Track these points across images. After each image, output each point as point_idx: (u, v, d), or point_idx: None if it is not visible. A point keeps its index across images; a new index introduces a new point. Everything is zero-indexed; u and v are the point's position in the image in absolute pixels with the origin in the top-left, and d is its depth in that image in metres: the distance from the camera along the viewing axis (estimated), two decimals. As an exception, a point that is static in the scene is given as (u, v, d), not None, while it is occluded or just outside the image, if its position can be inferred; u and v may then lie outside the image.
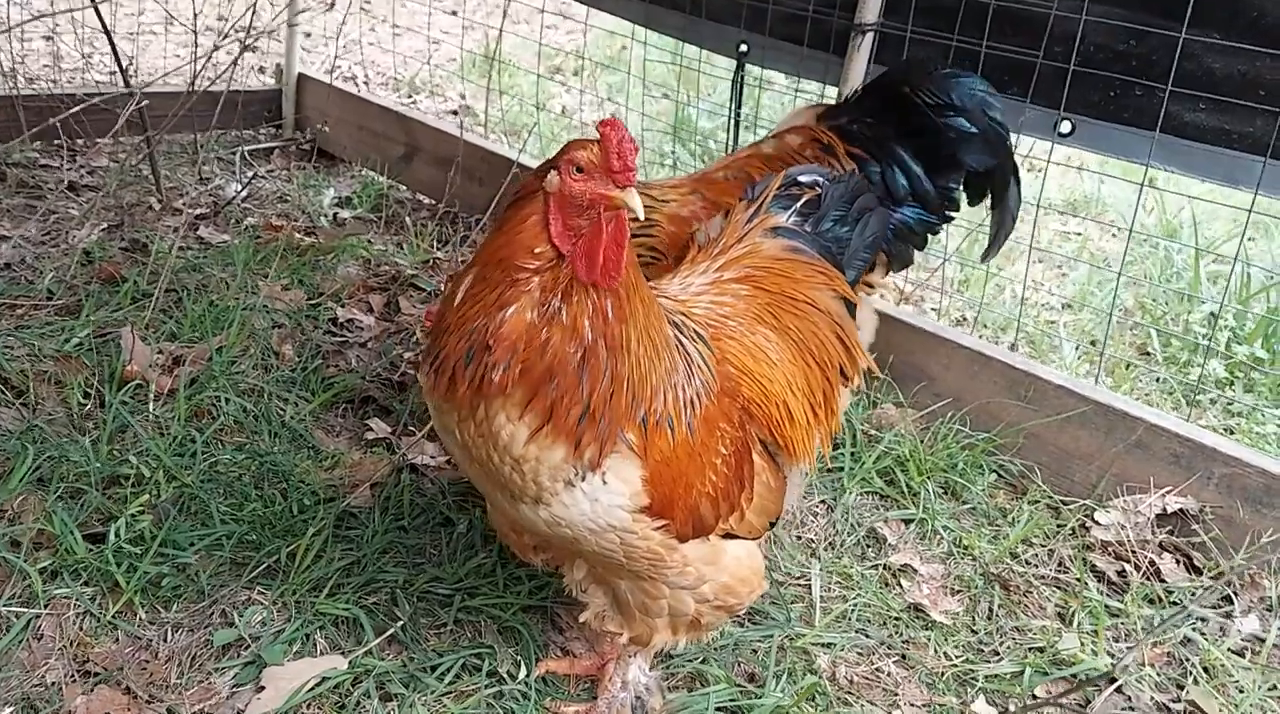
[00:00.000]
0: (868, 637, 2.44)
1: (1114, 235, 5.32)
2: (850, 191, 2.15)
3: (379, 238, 4.09)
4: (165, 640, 2.13)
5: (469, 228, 4.15)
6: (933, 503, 2.87)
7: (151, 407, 2.74)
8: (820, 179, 2.14)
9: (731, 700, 2.17)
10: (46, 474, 2.45)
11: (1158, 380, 3.81)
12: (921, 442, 3.06)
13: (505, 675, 2.13)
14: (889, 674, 2.36)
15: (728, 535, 1.93)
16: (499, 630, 2.24)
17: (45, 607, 2.13)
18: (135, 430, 2.63)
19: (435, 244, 4.03)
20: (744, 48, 3.51)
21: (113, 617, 2.14)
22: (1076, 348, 3.98)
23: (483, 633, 2.23)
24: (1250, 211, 2.72)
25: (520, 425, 1.67)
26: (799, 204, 2.11)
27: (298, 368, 3.02)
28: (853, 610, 2.49)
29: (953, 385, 3.17)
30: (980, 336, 3.70)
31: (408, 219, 4.19)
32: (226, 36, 2.96)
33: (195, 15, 3.86)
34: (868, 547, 2.75)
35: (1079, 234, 5.32)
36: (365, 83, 6.19)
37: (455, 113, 6.03)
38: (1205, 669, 2.45)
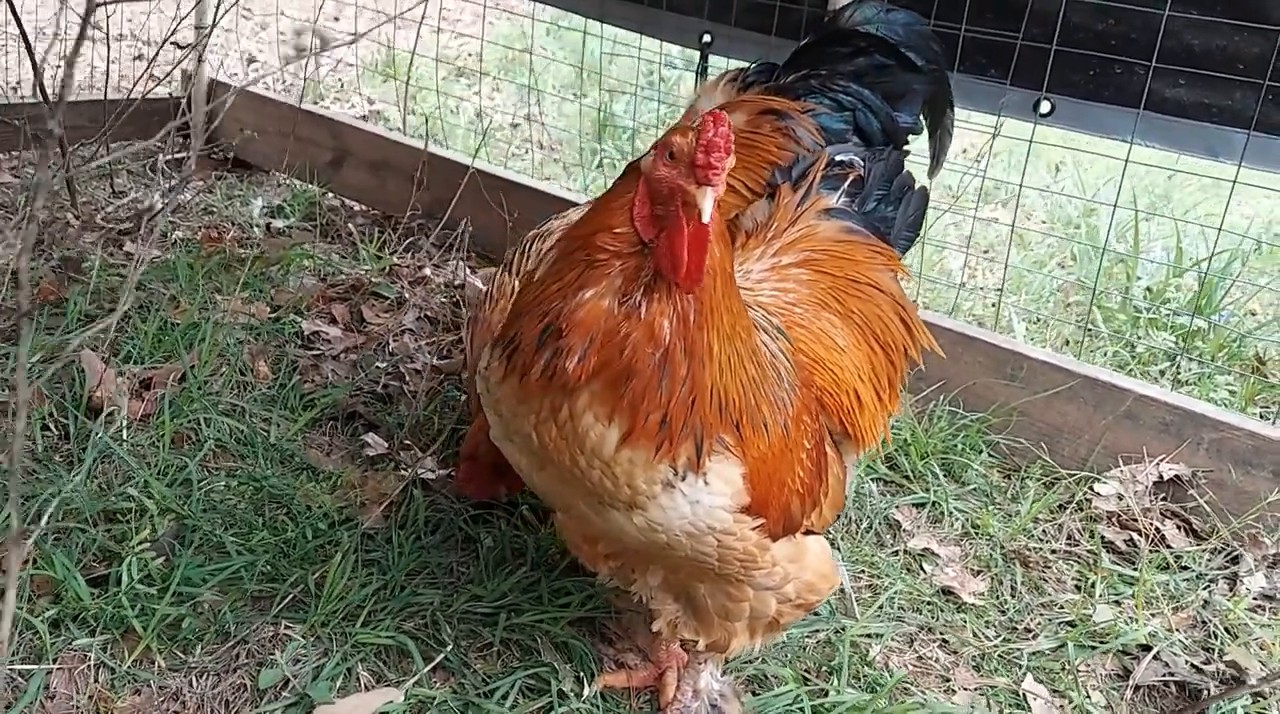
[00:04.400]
0: (905, 623, 2.41)
1: (1029, 218, 5.48)
2: (890, 169, 2.11)
3: (318, 247, 3.88)
4: (192, 688, 1.94)
5: (411, 233, 3.98)
6: (941, 486, 2.86)
7: (125, 434, 2.51)
8: (857, 158, 2.09)
9: (798, 701, 2.10)
10: (31, 513, 2.21)
11: (1105, 355, 3.91)
12: (919, 425, 3.05)
13: (569, 694, 2.02)
14: (937, 660, 2.33)
15: (807, 531, 1.87)
16: (553, 647, 2.12)
17: (54, 661, 1.91)
18: (120, 460, 2.41)
19: (385, 250, 3.84)
20: (708, 39, 3.44)
21: (130, 666, 1.94)
22: (1026, 329, 4.05)
23: (537, 651, 2.10)
24: (1235, 182, 2.80)
25: (612, 427, 1.57)
26: (846, 184, 2.06)
27: (275, 385, 2.82)
28: (889, 599, 2.46)
29: (939, 368, 3.17)
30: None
31: (350, 226, 3.99)
32: (169, 38, 2.73)
33: (108, 19, 3.59)
34: (884, 533, 2.72)
35: (997, 220, 5.46)
36: (268, 90, 5.89)
37: (365, 118, 5.80)
38: (1227, 630, 2.51)
